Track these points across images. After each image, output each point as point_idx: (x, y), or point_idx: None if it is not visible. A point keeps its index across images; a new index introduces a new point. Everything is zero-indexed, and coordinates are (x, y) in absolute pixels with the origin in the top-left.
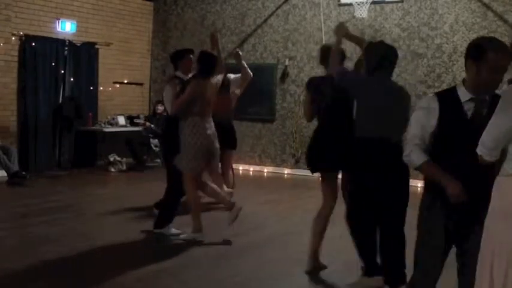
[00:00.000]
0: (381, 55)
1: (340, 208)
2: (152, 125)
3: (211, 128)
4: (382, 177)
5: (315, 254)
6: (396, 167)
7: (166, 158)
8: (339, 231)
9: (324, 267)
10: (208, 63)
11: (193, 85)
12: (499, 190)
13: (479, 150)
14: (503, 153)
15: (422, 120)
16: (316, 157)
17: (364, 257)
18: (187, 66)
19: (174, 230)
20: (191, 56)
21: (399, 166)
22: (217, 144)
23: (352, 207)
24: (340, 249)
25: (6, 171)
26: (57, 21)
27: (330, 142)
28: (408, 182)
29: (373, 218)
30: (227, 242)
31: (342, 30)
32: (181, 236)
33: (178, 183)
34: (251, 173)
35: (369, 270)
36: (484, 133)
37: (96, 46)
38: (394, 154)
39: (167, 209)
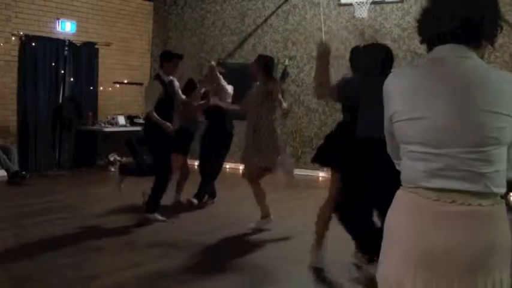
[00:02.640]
0: (383, 57)
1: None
2: None
3: None
4: (382, 174)
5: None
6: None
7: (157, 150)
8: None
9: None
10: (271, 66)
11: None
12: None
13: None
14: None
15: None
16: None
17: (366, 242)
18: (171, 69)
19: (160, 217)
20: (179, 61)
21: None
22: None
23: (346, 201)
24: (340, 250)
25: (6, 171)
26: (57, 21)
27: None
28: None
29: (368, 208)
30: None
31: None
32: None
33: (166, 169)
34: None
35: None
36: None
37: (96, 46)
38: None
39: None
